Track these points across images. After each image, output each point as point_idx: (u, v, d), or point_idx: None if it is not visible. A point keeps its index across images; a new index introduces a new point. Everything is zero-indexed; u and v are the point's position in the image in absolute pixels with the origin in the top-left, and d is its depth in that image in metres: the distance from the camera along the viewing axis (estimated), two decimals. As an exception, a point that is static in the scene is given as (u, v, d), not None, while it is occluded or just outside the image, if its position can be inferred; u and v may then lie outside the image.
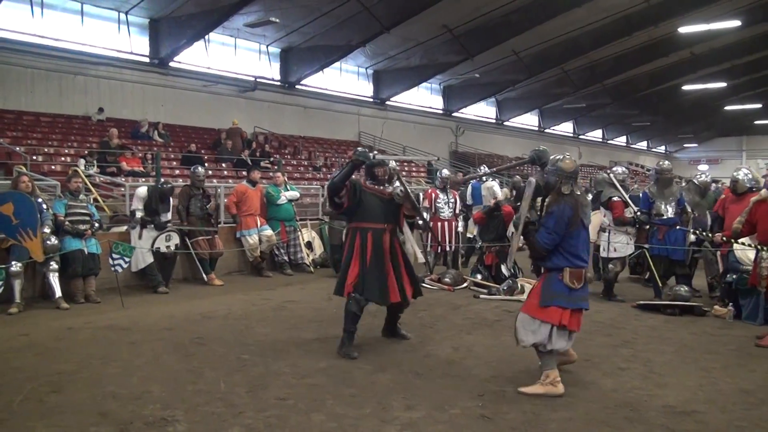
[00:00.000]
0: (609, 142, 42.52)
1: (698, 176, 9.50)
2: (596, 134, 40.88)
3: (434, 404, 4.17)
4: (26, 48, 15.96)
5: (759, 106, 36.93)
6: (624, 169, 9.00)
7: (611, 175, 8.43)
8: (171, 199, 8.83)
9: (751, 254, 6.63)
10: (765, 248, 5.95)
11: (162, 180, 9.10)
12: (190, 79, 19.66)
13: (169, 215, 8.80)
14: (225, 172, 15.78)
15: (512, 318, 6.76)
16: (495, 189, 10.84)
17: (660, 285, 7.72)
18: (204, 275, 9.05)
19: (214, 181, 12.95)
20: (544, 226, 4.44)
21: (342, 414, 3.99)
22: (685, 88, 32.05)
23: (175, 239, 8.64)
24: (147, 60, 18.57)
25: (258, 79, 21.21)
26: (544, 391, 4.34)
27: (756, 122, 42.24)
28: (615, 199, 8.04)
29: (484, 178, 11.20)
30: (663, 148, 48.78)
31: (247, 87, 21.08)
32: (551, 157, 4.70)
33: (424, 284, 8.81)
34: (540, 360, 4.48)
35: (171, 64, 18.96)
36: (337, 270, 9.85)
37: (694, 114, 39.36)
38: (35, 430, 3.71)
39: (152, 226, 8.44)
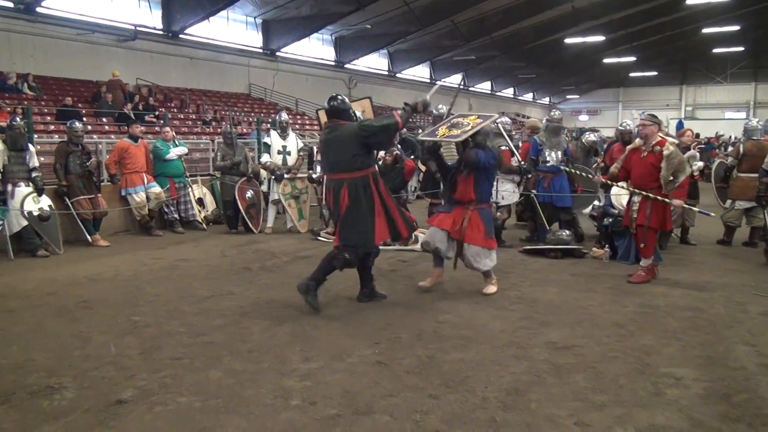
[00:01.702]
0: (497, 93, 43.79)
1: (587, 136, 9.90)
2: (485, 86, 41.93)
3: (332, 354, 4.23)
4: None
5: (634, 59, 39.28)
6: (509, 119, 9.35)
7: (499, 125, 8.71)
8: (28, 151, 8.10)
9: (624, 199, 7.14)
10: (636, 192, 6.40)
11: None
12: (63, 26, 18.22)
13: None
14: (106, 128, 14.90)
15: (407, 267, 7.02)
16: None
17: (546, 229, 8.15)
18: (88, 236, 8.59)
19: (95, 137, 12.22)
20: (485, 154, 5.70)
21: (240, 370, 3.97)
22: (567, 41, 33.40)
23: (46, 200, 8.07)
24: (11, 5, 16.96)
25: (138, 28, 19.97)
26: (497, 287, 5.84)
27: (631, 74, 44.98)
28: (503, 148, 8.33)
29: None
30: (547, 99, 50.89)
31: (126, 36, 19.82)
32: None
33: (320, 238, 8.87)
34: (485, 274, 5.86)
35: (39, 9, 17.43)
36: (231, 226, 9.73)
37: (576, 66, 41.23)
38: None
39: (22, 184, 7.85)
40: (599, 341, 4.50)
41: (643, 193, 6.29)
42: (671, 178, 6.17)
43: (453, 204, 5.88)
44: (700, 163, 9.53)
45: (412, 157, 10.61)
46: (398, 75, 32.83)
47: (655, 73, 44.70)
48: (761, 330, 4.78)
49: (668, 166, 6.13)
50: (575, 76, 44.91)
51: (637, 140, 6.62)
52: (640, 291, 6.00)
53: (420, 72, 34.88)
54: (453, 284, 6.25)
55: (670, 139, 6.63)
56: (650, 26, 33.37)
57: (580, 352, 4.26)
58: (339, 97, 5.44)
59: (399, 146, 8.89)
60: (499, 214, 8.40)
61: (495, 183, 8.21)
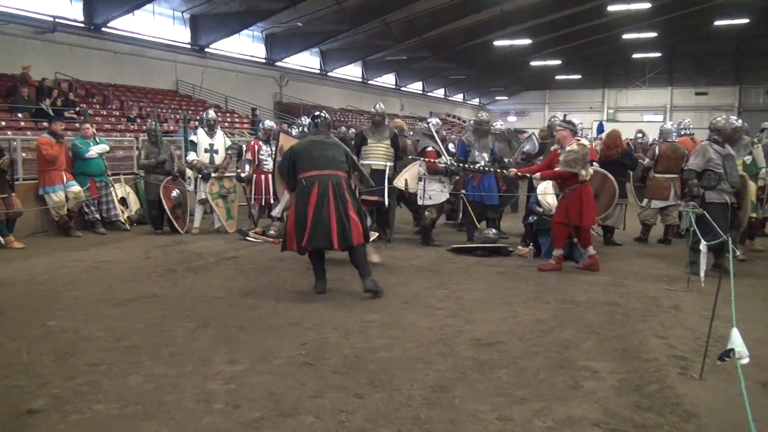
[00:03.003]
0: (429, 94, 44.29)
1: (498, 124, 10.07)
2: (417, 86, 42.35)
3: (258, 356, 4.18)
4: None
5: (559, 62, 40.53)
6: (438, 120, 9.49)
7: (429, 125, 8.81)
8: None
9: (550, 199, 7.48)
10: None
11: None
12: (-27, 16, 17.23)
13: None
14: (22, 123, 14.19)
15: (336, 267, 6.97)
16: None
17: (476, 228, 8.29)
18: (0, 238, 8.16)
19: (9, 133, 11.62)
20: None
21: (161, 374, 3.86)
22: (496, 43, 34.12)
23: None
24: None
25: (57, 20, 19.10)
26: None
27: (557, 77, 46.38)
28: (429, 148, 8.43)
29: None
30: (477, 100, 51.84)
31: (44, 28, 18.90)
32: None
33: (248, 238, 8.74)
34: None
35: (-51, -3, 16.44)
36: (155, 226, 9.47)
37: (504, 69, 42.16)
38: None
39: None
40: (522, 337, 4.62)
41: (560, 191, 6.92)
42: (565, 167, 6.73)
43: None
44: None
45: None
46: (330, 74, 32.69)
47: (580, 76, 46.29)
48: (672, 323, 5.03)
49: (565, 159, 6.75)
50: (504, 78, 45.93)
51: (555, 145, 7.24)
52: (561, 287, 6.20)
53: (352, 71, 34.87)
54: (380, 282, 6.27)
55: (582, 140, 7.10)
56: (575, 31, 34.49)
57: (504, 348, 4.37)
58: (322, 113, 6.36)
59: None
60: (427, 213, 8.50)
61: (422, 182, 8.35)
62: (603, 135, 11.70)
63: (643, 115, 45.29)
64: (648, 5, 28.45)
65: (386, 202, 8.45)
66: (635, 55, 41.64)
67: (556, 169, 6.86)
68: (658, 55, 41.69)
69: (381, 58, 34.10)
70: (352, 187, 5.92)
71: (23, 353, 4.20)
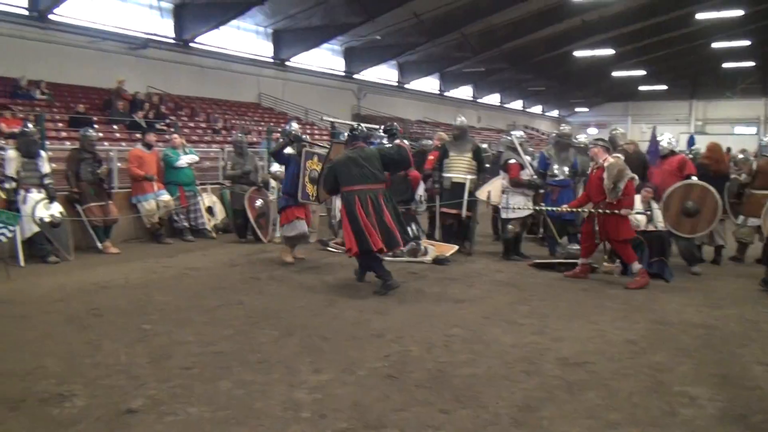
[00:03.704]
0: (506, 106, 43.80)
1: (582, 137, 9.78)
2: (494, 98, 41.98)
3: (342, 366, 4.21)
4: None
5: (643, 73, 39.16)
6: (522, 133, 9.33)
7: (513, 137, 8.69)
8: (40, 158, 8.15)
9: (640, 217, 7.34)
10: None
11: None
12: (75, 34, 18.29)
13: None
14: (117, 135, 14.96)
15: (416, 280, 6.99)
16: None
17: (557, 243, 8.09)
18: (98, 243, 8.61)
19: (105, 144, 12.27)
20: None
21: (249, 380, 3.95)
22: (577, 54, 33.39)
23: (57, 206, 8.09)
24: (25, 12, 17.10)
25: (149, 36, 20.09)
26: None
27: (640, 88, 44.82)
28: (512, 161, 8.30)
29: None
30: (556, 112, 50.85)
31: (137, 44, 19.90)
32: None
33: (329, 248, 8.86)
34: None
35: (51, 17, 17.53)
36: (240, 235, 9.75)
37: (585, 80, 41.18)
38: None
39: (34, 191, 7.89)
40: (611, 358, 4.46)
41: (592, 210, 6.97)
42: (612, 186, 6.66)
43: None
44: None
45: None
46: (407, 86, 32.87)
47: (665, 87, 44.53)
48: (775, 349, 4.74)
49: (608, 175, 6.70)
50: (584, 90, 44.84)
51: (591, 162, 7.37)
52: (651, 307, 5.95)
53: (429, 83, 34.93)
54: (461, 295, 6.23)
55: (615, 155, 7.09)
56: (660, 40, 33.27)
57: (593, 368, 4.23)
58: (360, 126, 7.03)
59: None
60: (510, 227, 8.36)
61: (506, 195, 8.22)
62: (694, 148, 11.17)
63: (734, 127, 43.16)
64: (740, 12, 27.12)
65: (464, 214, 8.42)
66: (726, 65, 39.63)
67: (605, 184, 6.73)
68: (751, 64, 39.57)
69: (458, 70, 33.99)
70: (388, 195, 6.54)
71: (121, 354, 4.40)
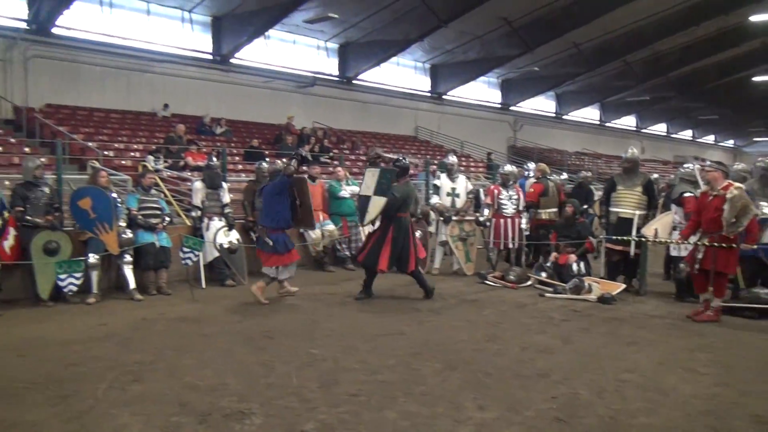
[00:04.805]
0: (673, 135, 41.21)
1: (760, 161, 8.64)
2: (659, 128, 39.68)
3: (507, 405, 4.11)
4: (97, 47, 16.61)
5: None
6: (706, 162, 8.56)
7: (694, 168, 8.08)
8: (222, 189, 8.88)
9: None
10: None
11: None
12: (251, 75, 20.02)
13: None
14: (286, 167, 15.96)
15: (580, 318, 6.69)
16: None
17: (741, 286, 7.32)
18: (268, 269, 9.18)
19: (277, 176, 13.11)
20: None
21: (415, 412, 3.98)
22: (756, 79, 30.74)
23: (235, 234, 8.75)
24: (210, 57, 19.01)
25: (316, 75, 21.42)
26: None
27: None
28: (687, 194, 7.73)
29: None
30: (731, 142, 46.97)
31: (305, 83, 21.31)
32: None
33: (487, 281, 8.76)
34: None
35: (232, 60, 19.35)
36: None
37: (765, 107, 37.69)
38: (120, 418, 3.84)
39: (216, 219, 8.62)
40: (814, 418, 3.95)
41: (707, 243, 6.52)
42: (733, 220, 6.26)
43: None
44: None
45: (584, 206, 10.33)
46: (565, 117, 32.05)
47: None
48: None
49: (731, 208, 6.26)
50: (765, 117, 41.01)
51: (704, 186, 6.92)
52: None
53: (588, 114, 33.80)
54: (632, 338, 5.85)
55: (736, 184, 6.51)
56: None
57: (793, 429, 3.77)
58: (403, 159, 8.08)
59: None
60: (682, 265, 7.73)
61: (677, 232, 7.60)
62: None
63: None
64: None
65: (632, 252, 7.97)
66: None
67: (725, 216, 6.29)
68: None
69: (620, 100, 32.60)
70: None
71: (293, 377, 4.62)
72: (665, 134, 40.45)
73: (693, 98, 33.74)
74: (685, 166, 8.62)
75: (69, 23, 15.93)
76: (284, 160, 8.73)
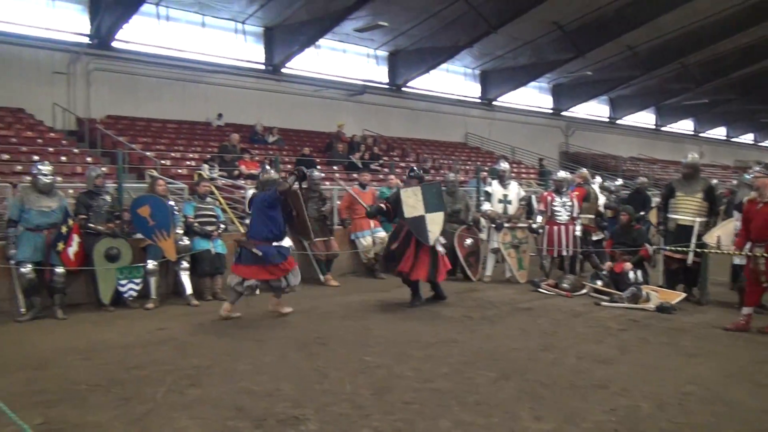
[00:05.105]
0: (733, 139, 39.82)
1: None
2: (719, 132, 38.41)
3: (564, 416, 4.03)
4: (154, 59, 17.13)
5: None
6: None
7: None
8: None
9: None
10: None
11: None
12: (302, 84, 20.28)
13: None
14: (336, 175, 16.09)
15: (639, 329, 6.50)
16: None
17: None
18: (320, 276, 9.27)
19: (327, 183, 13.25)
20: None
21: (469, 422, 3.93)
22: (824, 80, 29.43)
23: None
24: (262, 67, 19.36)
25: (366, 83, 21.55)
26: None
27: None
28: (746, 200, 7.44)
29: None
30: (795, 146, 45.04)
31: (355, 91, 21.46)
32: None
33: (540, 289, 8.62)
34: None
35: (283, 70, 19.65)
36: (449, 273, 9.86)
37: (832, 108, 36.06)
38: (179, 421, 3.92)
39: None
40: None
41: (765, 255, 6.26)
42: None
43: None
44: None
45: (641, 212, 10.10)
46: (619, 121, 31.34)
47: None
48: None
49: None
50: (831, 120, 39.27)
51: (752, 192, 6.67)
52: None
53: (643, 118, 32.96)
54: (694, 349, 5.65)
55: None
56: None
57: None
58: (417, 170, 8.50)
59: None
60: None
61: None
62: None
63: None
64: None
65: (689, 260, 7.72)
66: None
67: None
68: None
69: (677, 103, 31.66)
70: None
71: (346, 384, 4.63)
72: (725, 138, 39.13)
73: (755, 101, 32.47)
74: (753, 170, 8.30)
75: (128, 37, 16.48)
76: (284, 175, 8.58)
